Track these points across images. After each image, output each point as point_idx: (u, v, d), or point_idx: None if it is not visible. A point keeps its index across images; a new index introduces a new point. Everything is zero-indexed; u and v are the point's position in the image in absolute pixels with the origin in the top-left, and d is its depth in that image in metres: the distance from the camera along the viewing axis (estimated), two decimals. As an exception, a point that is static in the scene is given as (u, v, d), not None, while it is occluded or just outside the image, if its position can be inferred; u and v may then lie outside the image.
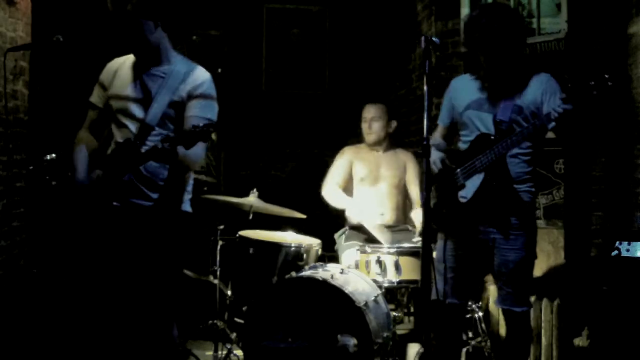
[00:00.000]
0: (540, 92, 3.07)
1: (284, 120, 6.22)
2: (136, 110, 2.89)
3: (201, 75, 2.94)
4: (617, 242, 3.34)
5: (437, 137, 3.38)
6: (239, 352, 3.98)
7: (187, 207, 3.01)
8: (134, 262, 2.85)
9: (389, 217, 4.34)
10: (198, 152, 2.83)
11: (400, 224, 4.30)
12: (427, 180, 2.71)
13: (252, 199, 4.14)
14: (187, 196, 3.02)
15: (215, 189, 6.03)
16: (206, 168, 6.16)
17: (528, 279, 3.15)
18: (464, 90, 3.20)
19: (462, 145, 3.20)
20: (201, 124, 2.63)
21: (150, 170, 2.86)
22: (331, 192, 4.47)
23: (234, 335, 4.01)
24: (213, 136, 6.15)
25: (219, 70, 6.16)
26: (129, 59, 3.01)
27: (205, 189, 6.05)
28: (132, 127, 2.88)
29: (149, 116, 2.85)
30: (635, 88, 3.70)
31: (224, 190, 5.92)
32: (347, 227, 4.40)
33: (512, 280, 3.10)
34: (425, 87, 2.75)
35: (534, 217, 3.21)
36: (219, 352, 4.03)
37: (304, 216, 4.25)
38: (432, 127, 2.85)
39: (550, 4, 4.35)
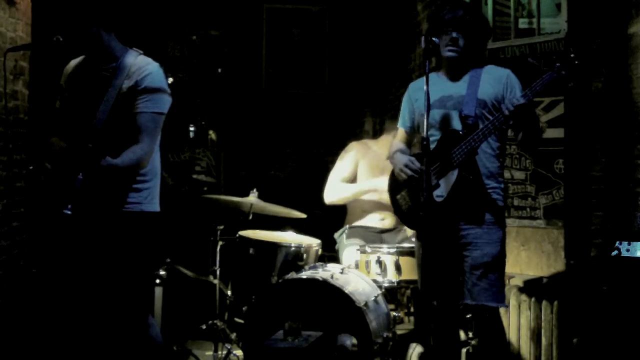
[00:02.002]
0: (501, 86, 3.14)
1: (284, 120, 6.22)
2: (86, 111, 2.85)
3: (145, 67, 2.86)
4: (617, 242, 3.34)
5: (399, 143, 3.39)
6: (239, 352, 3.98)
7: (148, 206, 2.93)
8: (91, 265, 2.84)
9: (389, 221, 4.31)
10: (132, 154, 2.78)
11: (399, 227, 4.29)
12: (427, 179, 2.71)
13: (252, 199, 4.14)
14: (148, 194, 2.94)
15: (215, 189, 6.03)
16: (206, 168, 6.17)
17: (503, 275, 3.16)
18: (424, 91, 3.10)
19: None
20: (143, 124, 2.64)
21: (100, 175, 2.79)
22: (338, 187, 4.31)
23: (234, 335, 4.01)
24: (213, 136, 6.20)
25: (219, 70, 6.17)
26: (82, 60, 2.99)
27: (205, 189, 6.06)
28: (84, 129, 2.84)
29: (96, 117, 2.81)
30: (635, 88, 3.70)
31: (224, 191, 5.92)
32: (347, 226, 4.38)
33: (489, 275, 3.09)
34: (425, 88, 2.75)
35: (504, 214, 3.24)
36: (219, 352, 4.03)
37: (304, 216, 4.24)
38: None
39: (550, 4, 4.35)
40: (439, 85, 3.19)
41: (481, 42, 3.21)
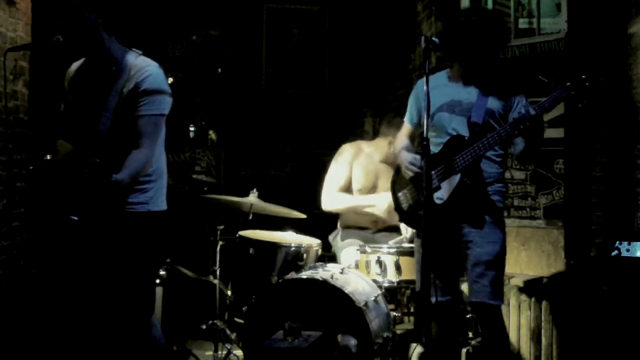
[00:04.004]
0: (509, 99, 3.17)
1: (284, 120, 6.22)
2: (90, 117, 2.84)
3: (144, 69, 2.84)
4: (617, 242, 3.34)
5: (404, 139, 3.41)
6: (239, 352, 3.98)
7: (154, 206, 2.92)
8: (98, 266, 2.84)
9: (381, 223, 4.31)
10: (135, 162, 2.77)
11: (393, 231, 4.28)
12: (427, 179, 2.71)
13: (252, 199, 4.14)
14: (154, 194, 2.93)
15: (215, 189, 6.03)
16: (206, 168, 6.16)
17: (502, 273, 3.18)
18: (433, 91, 3.02)
19: (432, 148, 3.17)
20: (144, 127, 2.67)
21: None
22: (336, 197, 4.29)
23: (234, 335, 4.01)
24: (213, 136, 6.20)
25: (219, 70, 6.17)
26: (83, 63, 2.99)
27: (205, 189, 6.05)
28: (87, 135, 2.83)
29: (100, 123, 2.80)
30: (635, 88, 3.70)
31: (224, 191, 5.92)
32: (339, 228, 4.38)
33: (488, 273, 3.10)
34: (425, 88, 2.75)
35: (503, 216, 3.26)
36: (219, 352, 4.03)
37: (303, 216, 4.24)
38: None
39: (550, 4, 4.35)
40: (449, 88, 3.20)
41: (501, 48, 3.23)
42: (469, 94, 3.18)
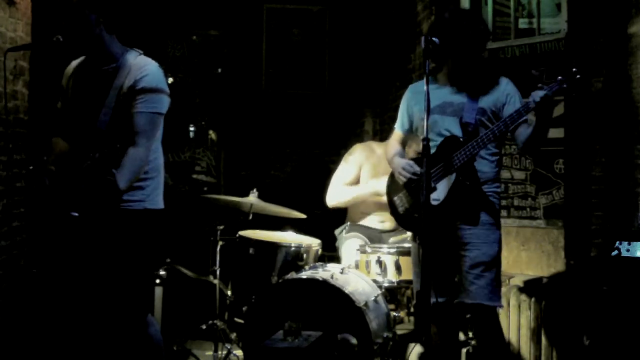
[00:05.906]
0: (500, 94, 3.17)
1: (284, 120, 6.23)
2: (89, 113, 2.85)
3: (143, 68, 2.85)
4: (617, 242, 3.34)
5: (396, 145, 3.41)
6: (239, 352, 3.98)
7: (151, 204, 2.92)
8: (95, 264, 2.84)
9: (388, 224, 4.31)
10: (131, 164, 2.78)
11: (399, 229, 4.28)
12: (427, 179, 2.71)
13: (252, 199, 4.14)
14: (151, 192, 2.93)
15: (215, 189, 6.03)
16: (206, 168, 6.17)
17: (499, 274, 3.18)
18: (423, 95, 2.98)
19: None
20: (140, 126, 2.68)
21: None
22: (340, 190, 4.31)
23: (234, 335, 4.01)
24: (213, 136, 6.20)
25: (219, 70, 6.17)
26: (83, 60, 2.99)
27: (205, 189, 6.06)
28: (86, 131, 2.84)
29: (99, 119, 2.81)
30: (635, 88, 3.70)
31: (224, 191, 5.93)
32: (347, 224, 4.38)
33: (486, 275, 3.11)
34: (425, 88, 2.75)
35: (499, 216, 3.25)
36: (219, 352, 4.03)
37: (303, 216, 4.24)
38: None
39: (550, 4, 4.35)
40: (440, 90, 3.21)
41: (481, 46, 3.22)
42: (459, 95, 3.19)
